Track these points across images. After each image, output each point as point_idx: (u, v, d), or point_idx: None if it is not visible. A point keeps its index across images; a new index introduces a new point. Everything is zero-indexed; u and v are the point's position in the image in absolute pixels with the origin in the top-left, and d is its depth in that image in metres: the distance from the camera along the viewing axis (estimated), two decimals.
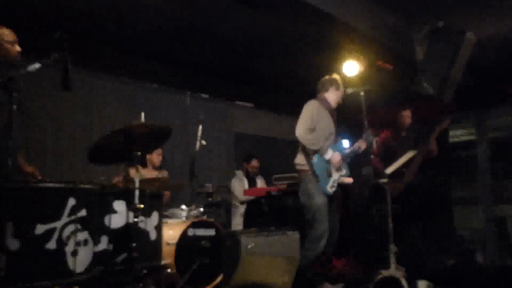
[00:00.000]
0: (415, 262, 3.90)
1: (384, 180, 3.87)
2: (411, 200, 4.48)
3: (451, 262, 3.84)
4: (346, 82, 3.97)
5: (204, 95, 6.00)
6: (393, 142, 4.66)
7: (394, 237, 3.65)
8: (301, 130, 3.53)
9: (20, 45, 2.59)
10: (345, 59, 4.53)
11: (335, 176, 3.64)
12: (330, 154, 3.57)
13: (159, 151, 4.72)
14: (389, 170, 4.11)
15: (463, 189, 5.62)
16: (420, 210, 4.62)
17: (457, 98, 4.21)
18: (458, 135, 5.84)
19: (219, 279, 3.91)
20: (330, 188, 3.57)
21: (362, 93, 3.73)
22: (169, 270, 3.51)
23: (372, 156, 4.27)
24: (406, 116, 4.64)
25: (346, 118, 6.44)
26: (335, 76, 3.86)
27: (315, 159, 3.55)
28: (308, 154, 3.61)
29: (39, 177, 2.74)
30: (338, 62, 4.37)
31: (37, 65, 2.01)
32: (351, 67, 4.97)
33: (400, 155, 4.32)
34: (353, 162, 3.89)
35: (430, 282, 3.43)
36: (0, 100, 2.41)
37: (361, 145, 3.71)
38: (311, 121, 3.58)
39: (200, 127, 4.60)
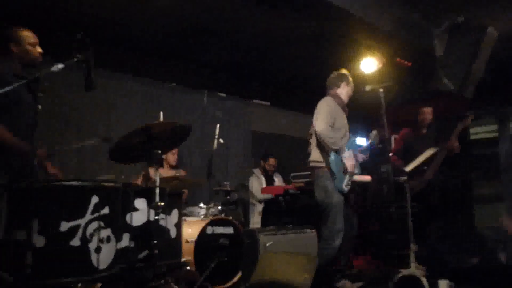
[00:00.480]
0: (436, 261, 3.84)
1: (404, 178, 3.83)
2: (432, 198, 4.42)
3: (474, 261, 3.77)
4: (365, 79, 3.94)
5: (221, 94, 6.03)
6: (413, 140, 4.60)
7: (414, 236, 3.61)
8: (323, 126, 3.48)
9: (43, 47, 2.64)
10: (363, 56, 4.49)
11: (349, 174, 3.63)
12: (345, 156, 3.56)
13: (174, 150, 4.76)
14: (409, 167, 4.06)
15: (485, 187, 5.51)
16: (441, 208, 4.55)
17: (478, 95, 4.14)
18: (479, 132, 5.73)
19: (237, 276, 3.93)
20: (345, 186, 3.55)
21: (381, 90, 3.70)
22: (188, 268, 3.54)
23: (391, 154, 4.23)
24: (427, 113, 4.57)
25: (364, 115, 6.41)
26: (344, 70, 3.84)
27: (332, 156, 3.53)
28: (324, 150, 3.59)
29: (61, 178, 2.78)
30: (355, 59, 4.34)
31: (60, 66, 2.05)
32: (369, 64, 4.93)
33: (420, 153, 4.26)
34: (372, 159, 3.87)
35: (452, 282, 3.38)
36: (26, 100, 2.48)
37: (359, 157, 3.71)
38: (330, 118, 3.56)
39: (218, 125, 4.63)
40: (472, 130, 5.77)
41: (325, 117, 3.53)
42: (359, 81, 3.94)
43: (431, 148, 4.27)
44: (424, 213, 4.36)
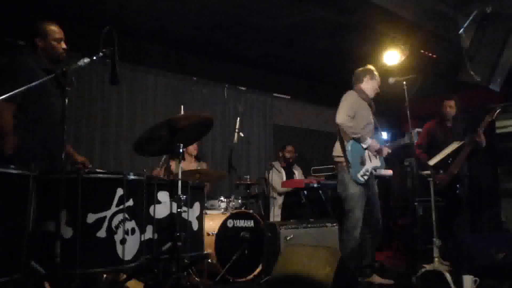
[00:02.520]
0: (461, 256, 3.78)
1: (428, 172, 3.77)
2: (458, 192, 4.33)
3: (499, 257, 3.69)
4: (389, 71, 3.87)
5: (242, 88, 6.03)
6: (438, 133, 4.50)
7: (440, 230, 3.55)
8: (342, 116, 3.51)
9: (70, 41, 2.68)
10: (387, 48, 4.41)
11: (369, 165, 3.59)
12: (369, 142, 3.54)
13: None
14: (433, 161, 3.98)
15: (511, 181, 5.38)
16: (467, 203, 4.46)
17: (507, 87, 4.01)
18: (506, 125, 5.57)
19: (258, 269, 3.95)
20: (361, 176, 3.51)
21: (404, 82, 3.63)
22: (210, 260, 3.58)
23: (415, 148, 4.16)
24: (449, 106, 4.46)
25: (388, 108, 6.31)
26: (369, 66, 3.81)
27: (349, 146, 3.51)
28: (344, 143, 3.58)
29: (90, 166, 2.83)
30: (379, 51, 4.26)
31: (86, 60, 2.07)
32: (392, 56, 4.86)
33: (446, 146, 4.17)
34: (396, 153, 3.81)
35: (476, 277, 3.31)
36: (54, 94, 2.53)
37: (385, 151, 3.64)
38: (352, 110, 3.55)
39: (238, 119, 4.64)
40: (498, 124, 5.61)
41: (345, 108, 3.55)
42: (383, 74, 3.87)
43: (456, 142, 4.17)
44: (450, 208, 4.29)
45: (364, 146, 3.55)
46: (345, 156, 3.53)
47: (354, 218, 3.48)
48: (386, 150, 3.68)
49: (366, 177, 3.54)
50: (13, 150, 2.34)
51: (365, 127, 3.65)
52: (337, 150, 3.69)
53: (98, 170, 2.52)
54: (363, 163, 3.57)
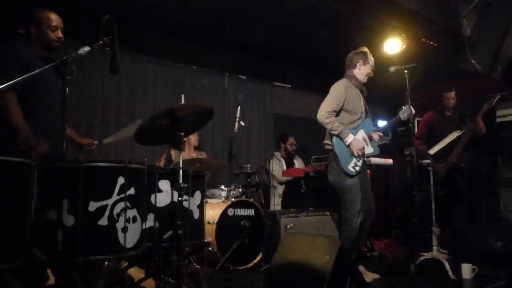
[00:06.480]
0: (460, 244, 3.81)
1: (427, 161, 3.78)
2: (458, 181, 4.34)
3: (498, 245, 3.73)
4: (390, 60, 3.85)
5: (242, 77, 6.02)
6: (437, 122, 4.51)
7: (439, 219, 3.56)
8: (321, 114, 3.45)
9: (70, 30, 2.66)
10: (388, 36, 4.38)
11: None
12: (349, 140, 3.43)
13: None
14: (433, 150, 4.00)
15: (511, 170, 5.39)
16: (467, 192, 4.48)
17: (508, 75, 4.00)
18: (506, 114, 5.57)
19: (258, 258, 3.99)
20: (352, 168, 3.44)
21: (406, 71, 3.61)
22: (210, 248, 3.61)
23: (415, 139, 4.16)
24: (450, 97, 4.46)
25: (389, 97, 6.30)
26: (362, 49, 3.66)
27: (334, 139, 3.46)
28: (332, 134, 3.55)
29: (96, 144, 2.84)
30: (380, 40, 4.23)
31: (87, 49, 2.06)
32: (393, 45, 4.84)
33: (445, 135, 4.18)
34: (396, 142, 3.80)
35: (475, 266, 3.35)
36: (54, 83, 2.53)
37: (374, 136, 3.56)
38: (336, 103, 3.47)
39: (239, 108, 4.64)
40: (499, 113, 5.61)
41: (328, 104, 3.47)
42: (384, 62, 3.84)
43: (456, 131, 4.18)
44: (450, 197, 4.30)
45: (346, 143, 3.43)
46: (332, 150, 3.48)
47: (355, 209, 3.41)
48: (376, 136, 3.57)
49: (357, 168, 3.46)
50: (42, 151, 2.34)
51: (358, 117, 3.56)
52: (327, 138, 3.65)
53: (99, 159, 2.53)
54: (352, 153, 3.46)
